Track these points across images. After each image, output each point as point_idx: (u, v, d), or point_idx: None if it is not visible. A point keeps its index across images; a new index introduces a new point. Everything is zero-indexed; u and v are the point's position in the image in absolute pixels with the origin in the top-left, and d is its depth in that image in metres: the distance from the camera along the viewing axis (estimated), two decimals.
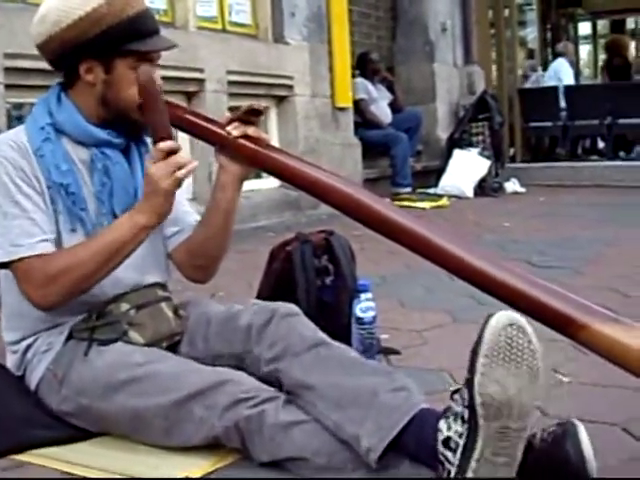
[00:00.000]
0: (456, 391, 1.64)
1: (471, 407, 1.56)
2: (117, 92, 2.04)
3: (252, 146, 2.00)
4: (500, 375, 1.53)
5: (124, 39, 1.99)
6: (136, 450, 1.94)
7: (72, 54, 2.01)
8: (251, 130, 2.00)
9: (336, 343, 1.96)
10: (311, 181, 1.95)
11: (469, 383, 1.56)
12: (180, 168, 1.91)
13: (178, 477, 1.79)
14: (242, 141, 1.99)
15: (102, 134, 2.08)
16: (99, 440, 2.01)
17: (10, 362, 2.14)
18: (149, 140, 2.20)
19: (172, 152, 1.91)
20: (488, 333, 1.55)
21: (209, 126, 2.05)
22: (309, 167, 1.99)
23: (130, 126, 2.09)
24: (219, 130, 2.00)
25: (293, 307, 2.07)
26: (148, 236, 2.00)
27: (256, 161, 2.04)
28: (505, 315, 1.57)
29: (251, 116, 2.00)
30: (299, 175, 1.97)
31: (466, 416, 1.58)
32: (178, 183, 1.93)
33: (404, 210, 1.96)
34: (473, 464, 1.55)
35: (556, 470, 1.57)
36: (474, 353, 1.56)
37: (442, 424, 1.63)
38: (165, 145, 1.91)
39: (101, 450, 1.97)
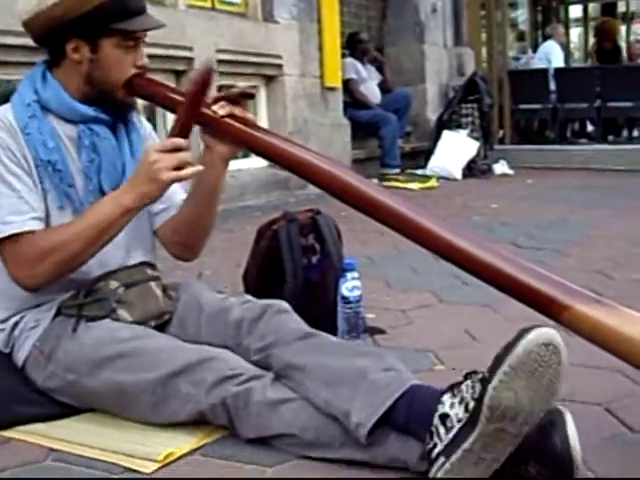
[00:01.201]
0: (471, 373, 1.65)
1: (478, 402, 1.56)
2: (103, 71, 2.04)
3: (238, 126, 1.99)
4: (518, 386, 1.53)
5: (110, 18, 1.99)
6: (122, 426, 1.95)
7: (58, 32, 2.01)
8: (237, 110, 1.99)
9: (326, 334, 1.98)
10: (297, 161, 1.95)
11: (484, 383, 1.57)
12: (183, 166, 1.91)
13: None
14: (228, 120, 1.99)
15: (89, 110, 2.08)
16: (85, 416, 2.02)
17: None
18: (135, 118, 2.20)
19: (180, 149, 1.92)
20: (522, 346, 1.54)
21: None
22: (295, 147, 1.99)
23: (115, 105, 2.10)
24: (205, 109, 2.00)
25: (285, 305, 2.08)
26: (132, 218, 2.00)
27: (242, 141, 2.04)
28: (545, 333, 1.56)
29: (241, 99, 2.00)
30: (285, 155, 1.97)
31: (470, 407, 1.59)
32: (179, 179, 1.94)
33: (390, 191, 1.97)
34: (460, 452, 1.57)
35: (542, 459, 1.59)
36: (500, 357, 1.56)
37: (446, 398, 1.65)
38: (181, 141, 1.92)
39: (87, 426, 1.98)
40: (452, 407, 1.62)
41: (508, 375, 1.53)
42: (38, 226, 1.98)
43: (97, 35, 2.01)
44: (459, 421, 1.60)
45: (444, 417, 1.62)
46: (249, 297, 2.17)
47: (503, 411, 1.53)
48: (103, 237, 1.97)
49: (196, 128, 2.02)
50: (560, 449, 1.57)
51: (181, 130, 1.94)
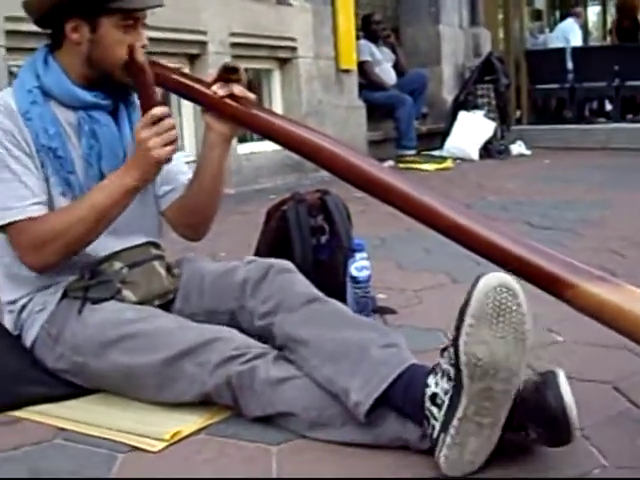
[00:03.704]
0: (446, 348, 1.66)
1: (456, 366, 1.57)
2: (103, 51, 2.03)
3: (237, 105, 1.99)
4: (487, 336, 1.53)
5: None
6: (129, 407, 1.96)
7: (57, 13, 2.01)
8: (237, 89, 2.00)
9: (330, 299, 1.98)
10: (298, 140, 1.95)
11: (455, 342, 1.57)
12: (170, 132, 1.93)
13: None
14: (227, 101, 1.99)
15: (89, 96, 2.08)
16: (93, 397, 2.04)
17: (7, 322, 2.17)
18: (137, 100, 2.20)
19: (162, 118, 1.93)
20: (477, 294, 1.55)
21: (195, 86, 2.05)
22: (296, 126, 1.98)
23: (116, 86, 2.09)
24: (205, 90, 2.00)
25: (288, 264, 2.09)
26: (136, 196, 2.01)
27: (241, 120, 2.03)
28: (495, 276, 1.57)
29: (230, 75, 1.99)
30: (285, 134, 1.96)
31: (452, 374, 1.59)
32: (169, 154, 1.95)
33: (394, 171, 1.97)
34: (455, 422, 1.57)
35: (538, 418, 1.58)
36: (461, 313, 1.57)
37: (431, 380, 1.65)
38: (157, 111, 1.92)
39: (95, 407, 1.99)
40: (437, 384, 1.63)
41: (473, 327, 1.54)
42: (40, 211, 1.99)
43: (96, 14, 2.00)
44: (446, 393, 1.60)
45: (433, 397, 1.63)
46: (252, 257, 2.18)
47: (481, 366, 1.53)
48: (106, 218, 1.98)
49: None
50: (554, 407, 1.55)
51: (146, 106, 1.95)
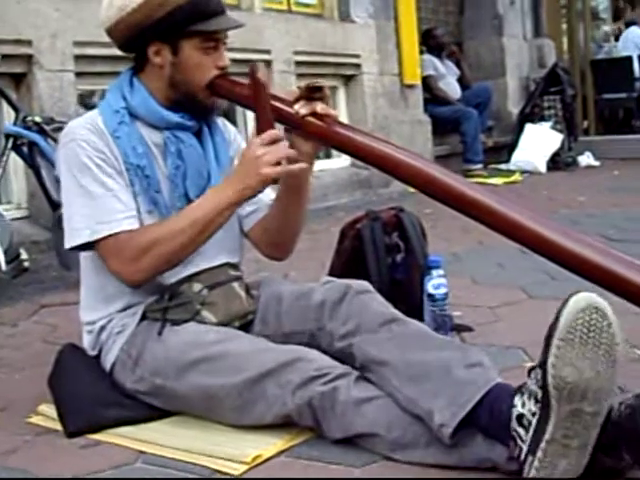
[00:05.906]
0: (533, 368, 1.61)
1: (544, 388, 1.53)
2: (185, 73, 2.06)
3: (321, 124, 1.97)
4: (575, 358, 1.49)
5: (189, 20, 2.00)
6: (210, 429, 1.95)
7: (139, 37, 2.04)
8: (319, 107, 1.97)
9: (409, 319, 1.95)
10: (380, 156, 1.92)
11: (542, 364, 1.53)
12: (283, 153, 1.93)
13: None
14: (310, 119, 1.98)
15: (175, 117, 2.09)
16: (173, 419, 2.03)
17: (86, 341, 2.18)
18: (220, 122, 2.21)
19: (277, 140, 1.93)
20: (565, 315, 1.51)
21: (277, 105, 2.04)
22: (378, 142, 1.95)
23: (199, 107, 2.11)
24: (287, 109, 1.99)
25: (366, 284, 2.07)
26: (234, 211, 2.02)
27: (325, 138, 2.02)
28: (585, 297, 1.52)
29: (314, 93, 1.98)
30: (368, 150, 1.94)
31: (539, 396, 1.55)
32: (282, 174, 1.96)
33: (476, 184, 1.93)
34: (543, 445, 1.53)
35: (633, 444, 1.53)
36: (549, 334, 1.52)
37: (517, 400, 1.61)
38: (277, 132, 1.93)
39: (175, 429, 1.98)
40: (524, 405, 1.58)
41: (561, 349, 1.49)
42: (134, 225, 2.01)
43: (177, 37, 2.03)
44: (533, 415, 1.56)
45: (520, 418, 1.58)
46: (329, 278, 2.16)
47: (570, 388, 1.49)
48: (206, 231, 1.99)
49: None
50: None
51: (264, 125, 1.95)
